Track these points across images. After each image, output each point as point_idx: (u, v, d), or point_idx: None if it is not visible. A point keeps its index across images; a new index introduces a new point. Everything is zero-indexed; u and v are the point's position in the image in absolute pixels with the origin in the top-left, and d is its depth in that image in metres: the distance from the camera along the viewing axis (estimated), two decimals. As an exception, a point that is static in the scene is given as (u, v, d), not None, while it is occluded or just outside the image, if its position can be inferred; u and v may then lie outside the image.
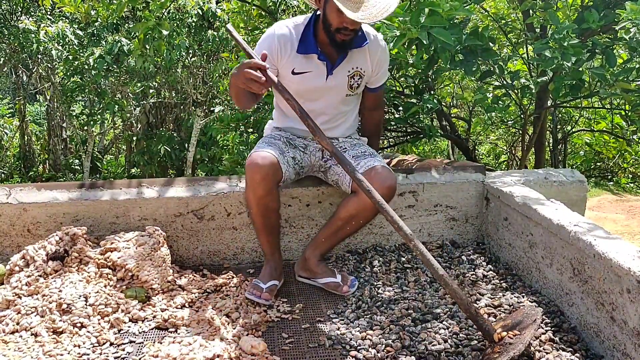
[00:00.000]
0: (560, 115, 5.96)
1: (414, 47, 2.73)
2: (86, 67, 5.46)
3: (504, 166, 7.95)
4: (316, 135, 1.93)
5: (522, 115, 3.81)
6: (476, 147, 7.63)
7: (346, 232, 2.19)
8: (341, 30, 1.97)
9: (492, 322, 1.76)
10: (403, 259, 2.37)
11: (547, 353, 1.67)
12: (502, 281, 2.18)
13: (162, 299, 2.08)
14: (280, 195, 2.40)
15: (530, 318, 1.67)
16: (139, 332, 1.91)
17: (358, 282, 2.20)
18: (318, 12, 2.09)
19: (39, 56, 6.58)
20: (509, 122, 5.74)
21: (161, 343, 1.80)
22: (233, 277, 2.27)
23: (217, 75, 5.74)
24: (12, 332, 1.85)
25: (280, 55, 2.10)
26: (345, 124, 2.30)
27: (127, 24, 6.00)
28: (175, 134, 7.60)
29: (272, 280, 2.16)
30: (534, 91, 3.01)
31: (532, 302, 1.95)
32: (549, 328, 1.80)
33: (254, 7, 4.53)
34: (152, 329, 1.93)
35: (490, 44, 2.78)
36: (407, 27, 2.35)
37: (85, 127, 7.56)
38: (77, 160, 9.27)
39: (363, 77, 2.19)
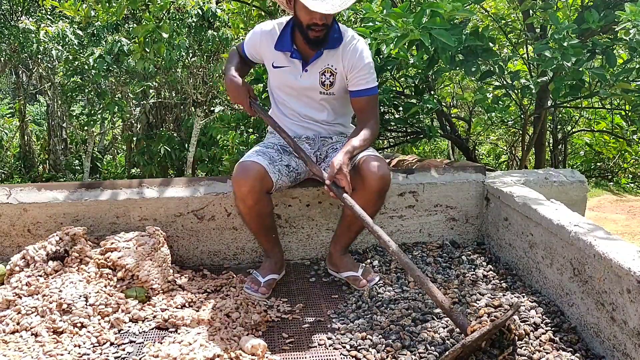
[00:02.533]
0: (560, 116, 5.96)
1: (414, 47, 2.73)
2: (86, 67, 5.45)
3: (504, 166, 7.94)
4: (307, 164, 2.12)
5: (522, 116, 3.82)
6: (476, 147, 7.62)
7: (359, 226, 2.19)
8: (312, 27, 2.05)
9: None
10: (403, 259, 2.37)
11: (547, 353, 1.67)
12: (502, 281, 2.18)
13: (162, 299, 2.08)
14: (280, 195, 2.40)
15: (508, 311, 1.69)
16: (139, 332, 1.91)
17: (380, 279, 2.20)
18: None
19: (39, 56, 6.57)
20: (509, 122, 5.74)
21: (161, 343, 1.80)
22: (233, 277, 2.27)
23: (217, 75, 5.73)
24: (13, 332, 1.86)
25: (262, 49, 2.26)
26: (335, 124, 2.31)
27: (127, 24, 5.99)
28: (175, 134, 7.59)
29: (271, 274, 2.19)
30: (534, 91, 3.01)
31: (532, 302, 1.95)
32: (549, 328, 1.80)
33: (253, 8, 4.54)
34: (152, 329, 1.93)
35: (491, 44, 2.78)
36: (409, 29, 2.36)
37: (85, 127, 7.55)
38: (77, 160, 9.27)
39: (335, 75, 2.19)
